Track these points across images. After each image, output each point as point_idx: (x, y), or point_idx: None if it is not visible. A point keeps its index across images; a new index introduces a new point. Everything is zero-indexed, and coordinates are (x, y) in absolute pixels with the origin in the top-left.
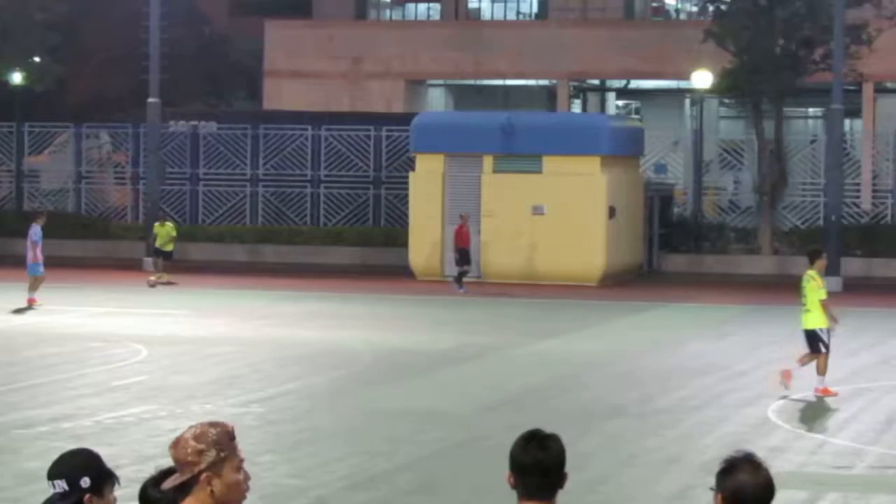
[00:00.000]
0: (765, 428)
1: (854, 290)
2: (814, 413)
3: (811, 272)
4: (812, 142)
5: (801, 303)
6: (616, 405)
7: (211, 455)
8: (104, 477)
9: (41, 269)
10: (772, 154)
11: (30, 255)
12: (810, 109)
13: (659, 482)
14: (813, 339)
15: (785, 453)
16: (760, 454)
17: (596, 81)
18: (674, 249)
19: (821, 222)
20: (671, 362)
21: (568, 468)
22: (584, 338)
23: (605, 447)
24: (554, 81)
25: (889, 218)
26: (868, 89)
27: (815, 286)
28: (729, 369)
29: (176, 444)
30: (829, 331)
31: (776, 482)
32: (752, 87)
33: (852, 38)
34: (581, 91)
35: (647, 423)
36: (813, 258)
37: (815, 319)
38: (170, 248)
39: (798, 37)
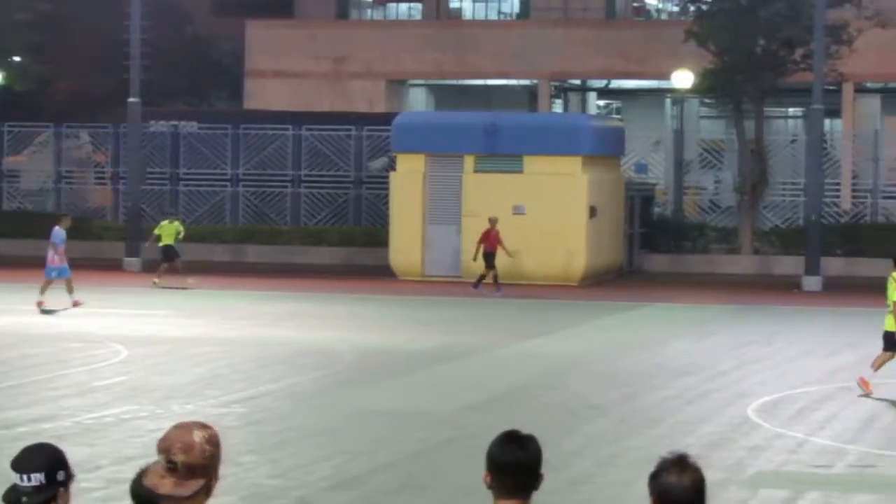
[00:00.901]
0: (745, 427)
1: (834, 290)
2: (794, 412)
3: (894, 274)
4: (792, 141)
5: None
6: (598, 404)
7: (219, 457)
8: (71, 473)
9: (53, 273)
10: (752, 154)
11: (49, 257)
12: (791, 109)
13: (640, 482)
14: (889, 340)
15: (765, 452)
16: (741, 454)
17: (577, 81)
18: (655, 249)
19: (801, 222)
20: (653, 362)
21: (550, 468)
22: (566, 337)
23: (587, 447)
24: (535, 81)
25: (869, 217)
26: (848, 89)
27: (894, 287)
28: (710, 369)
29: (190, 449)
30: None
31: (757, 481)
32: (733, 87)
33: (833, 39)
34: (562, 91)
35: (628, 422)
36: None
37: (893, 321)
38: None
39: (779, 37)
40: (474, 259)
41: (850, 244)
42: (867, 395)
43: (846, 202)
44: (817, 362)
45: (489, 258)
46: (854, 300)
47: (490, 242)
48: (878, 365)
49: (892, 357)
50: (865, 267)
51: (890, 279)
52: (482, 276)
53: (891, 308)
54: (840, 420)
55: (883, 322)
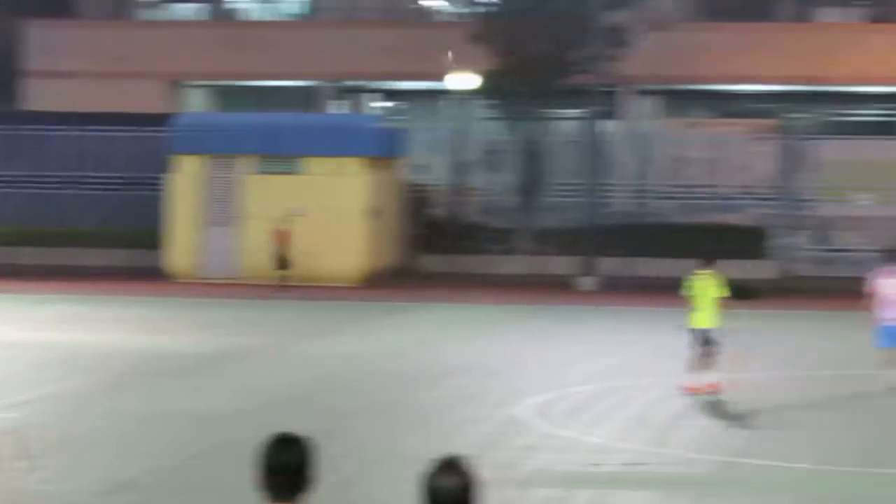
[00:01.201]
0: (519, 426)
1: (610, 289)
2: (567, 411)
3: (707, 272)
4: (571, 143)
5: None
6: (374, 405)
7: None
8: None
9: None
10: (532, 155)
11: None
12: (570, 111)
13: (410, 482)
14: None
15: (538, 451)
16: (514, 453)
17: (360, 82)
18: (435, 250)
19: (579, 222)
20: (431, 362)
21: (318, 469)
22: (347, 338)
23: (362, 447)
24: (318, 82)
25: (646, 218)
26: (626, 91)
27: (706, 285)
28: (486, 369)
29: None
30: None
31: (530, 480)
32: (514, 89)
33: (612, 42)
34: (345, 92)
35: (403, 422)
36: (709, 259)
37: (706, 318)
38: None
39: (559, 39)
40: (280, 265)
41: (626, 244)
42: (712, 394)
43: (624, 203)
44: (591, 362)
45: (282, 259)
46: (629, 300)
47: (282, 243)
48: (702, 366)
49: (710, 354)
50: (641, 267)
51: (702, 277)
52: (284, 277)
53: (703, 305)
54: (612, 419)
55: (689, 320)
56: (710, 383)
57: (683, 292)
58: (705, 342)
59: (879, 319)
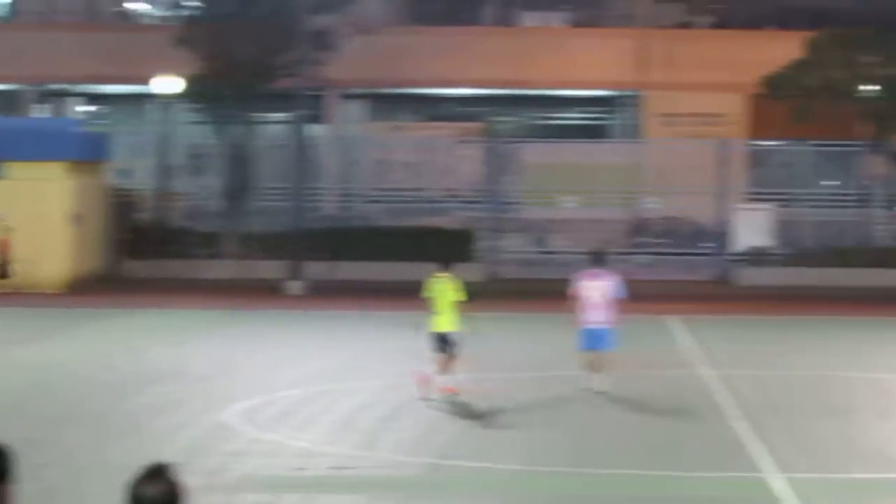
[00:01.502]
0: (226, 432)
1: (317, 293)
2: (274, 416)
3: (444, 276)
4: (278, 146)
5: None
6: (82, 412)
7: None
8: None
9: None
10: (238, 159)
11: None
12: (277, 114)
13: (118, 491)
14: (441, 340)
15: (244, 457)
16: (221, 459)
17: (63, 86)
18: (140, 255)
19: (285, 226)
20: (136, 368)
21: (20, 478)
22: (51, 345)
23: (65, 456)
24: (20, 86)
25: (352, 221)
26: (333, 95)
27: (444, 288)
28: (192, 374)
29: None
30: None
31: (237, 486)
32: (219, 93)
33: (318, 45)
34: (48, 96)
35: (107, 430)
36: (447, 262)
37: (447, 321)
38: None
39: (264, 43)
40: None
41: (334, 248)
42: (449, 397)
43: (331, 206)
44: (298, 366)
45: (3, 267)
46: (336, 303)
47: (3, 251)
48: (444, 368)
49: (452, 358)
50: (347, 270)
51: (440, 280)
52: (6, 286)
53: (441, 308)
54: (319, 423)
55: (429, 324)
56: (447, 386)
57: (423, 295)
58: (443, 346)
59: (581, 322)
